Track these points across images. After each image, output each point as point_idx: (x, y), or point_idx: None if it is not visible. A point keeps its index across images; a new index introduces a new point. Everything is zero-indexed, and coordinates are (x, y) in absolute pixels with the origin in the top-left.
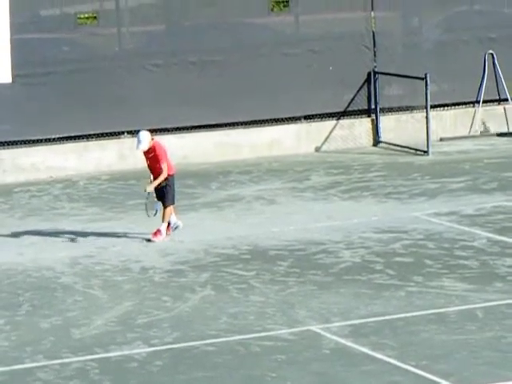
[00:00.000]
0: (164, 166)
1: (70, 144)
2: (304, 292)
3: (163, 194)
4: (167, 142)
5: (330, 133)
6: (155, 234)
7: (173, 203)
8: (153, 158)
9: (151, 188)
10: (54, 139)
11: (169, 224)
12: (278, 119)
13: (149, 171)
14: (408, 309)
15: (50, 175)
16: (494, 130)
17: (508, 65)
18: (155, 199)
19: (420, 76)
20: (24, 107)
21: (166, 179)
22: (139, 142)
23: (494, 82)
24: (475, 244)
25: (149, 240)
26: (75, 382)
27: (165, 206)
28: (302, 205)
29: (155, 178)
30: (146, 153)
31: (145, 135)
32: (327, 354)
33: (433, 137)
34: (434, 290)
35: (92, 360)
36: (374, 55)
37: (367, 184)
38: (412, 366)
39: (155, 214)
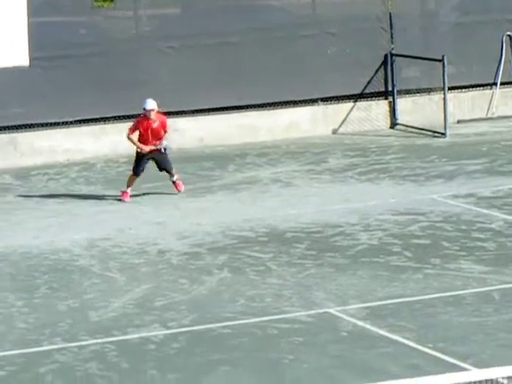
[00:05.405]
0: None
1: (87, 127)
2: (321, 274)
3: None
4: (184, 124)
5: (347, 115)
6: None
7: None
8: (158, 126)
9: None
10: (70, 122)
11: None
12: (294, 101)
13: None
14: (425, 291)
15: (67, 158)
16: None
17: None
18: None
19: (437, 58)
20: (41, 90)
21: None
22: (147, 102)
23: None
24: (493, 226)
25: (120, 200)
26: (93, 364)
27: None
28: (318, 187)
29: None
30: (151, 121)
31: (152, 101)
32: (345, 336)
33: (450, 119)
34: (452, 272)
35: (110, 342)
36: (391, 37)
37: (384, 166)
38: (430, 348)
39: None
